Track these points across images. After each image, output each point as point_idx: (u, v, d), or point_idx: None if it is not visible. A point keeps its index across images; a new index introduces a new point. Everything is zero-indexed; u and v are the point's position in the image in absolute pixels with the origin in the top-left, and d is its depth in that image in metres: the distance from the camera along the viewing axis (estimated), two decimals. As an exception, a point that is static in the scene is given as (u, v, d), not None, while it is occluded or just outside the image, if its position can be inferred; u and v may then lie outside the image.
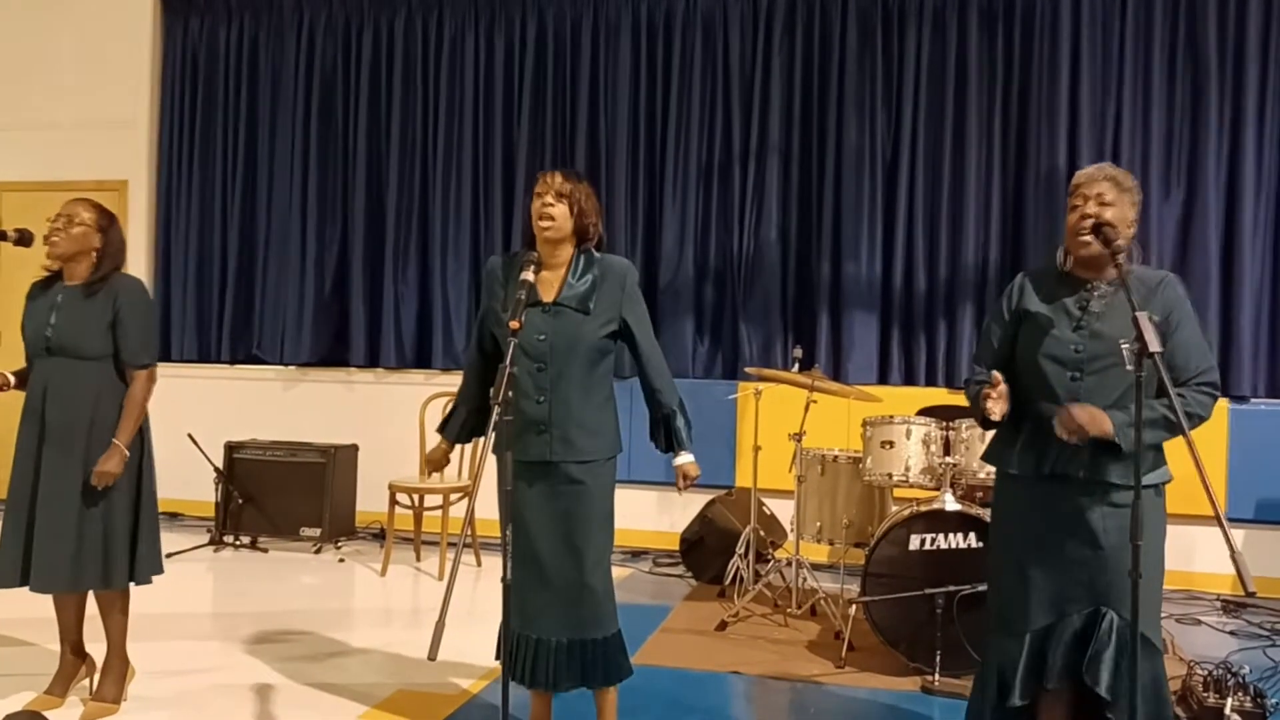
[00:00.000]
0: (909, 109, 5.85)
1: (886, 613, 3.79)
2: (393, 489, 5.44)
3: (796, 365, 4.67)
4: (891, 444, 4.07)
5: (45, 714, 3.10)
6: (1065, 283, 2.67)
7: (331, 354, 6.71)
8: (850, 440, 5.14)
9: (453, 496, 5.43)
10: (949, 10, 5.82)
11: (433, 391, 5.90)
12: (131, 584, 3.26)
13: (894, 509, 4.21)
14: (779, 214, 6.01)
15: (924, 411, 4.37)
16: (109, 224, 3.32)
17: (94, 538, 3.14)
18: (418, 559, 5.71)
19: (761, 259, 6.00)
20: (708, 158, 6.12)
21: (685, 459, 3.02)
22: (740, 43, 6.07)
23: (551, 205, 2.86)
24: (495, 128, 6.42)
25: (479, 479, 2.51)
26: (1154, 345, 2.21)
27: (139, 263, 6.83)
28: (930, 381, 5.80)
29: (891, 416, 4.16)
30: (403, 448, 5.96)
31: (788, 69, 6.01)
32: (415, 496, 5.56)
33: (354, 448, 6.21)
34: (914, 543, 3.78)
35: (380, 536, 6.15)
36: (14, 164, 7.08)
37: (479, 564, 5.62)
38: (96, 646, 3.40)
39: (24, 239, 3.17)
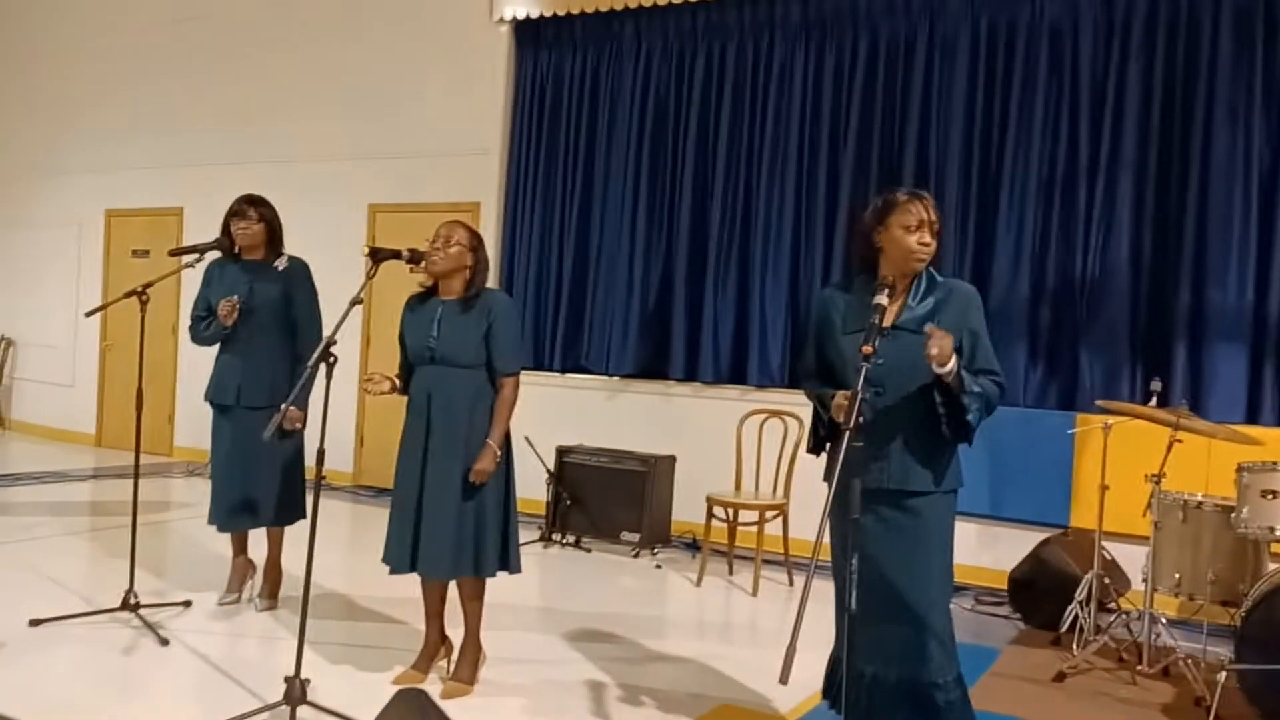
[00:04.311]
0: (1295, 115, 5.19)
1: (1265, 683, 3.35)
2: (710, 501, 5.54)
3: (1154, 399, 4.26)
4: (1275, 494, 3.60)
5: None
6: None
7: (652, 366, 6.96)
8: (1209, 485, 4.63)
9: (768, 514, 5.45)
10: (1349, 2, 5.11)
11: (750, 408, 5.96)
12: (504, 572, 3.54)
13: (1272, 567, 3.72)
14: (1131, 233, 5.53)
15: (1314, 459, 3.84)
16: (478, 244, 3.64)
17: (469, 529, 3.44)
18: (730, 572, 5.77)
19: (1108, 282, 5.54)
20: (1049, 172, 5.75)
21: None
22: (1091, 49, 5.65)
23: (929, 242, 2.77)
24: (820, 147, 6.40)
25: (829, 500, 2.47)
26: None
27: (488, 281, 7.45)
28: (1314, 425, 5.09)
29: (1275, 463, 3.68)
30: (718, 461, 6.04)
31: (1145, 75, 5.53)
32: (731, 511, 5.63)
33: (672, 458, 6.40)
34: (1302, 608, 3.31)
35: (692, 546, 6.30)
36: (385, 188, 7.98)
37: (791, 584, 5.59)
38: (451, 631, 3.72)
39: (415, 258, 3.53)
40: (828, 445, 3.02)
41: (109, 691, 3.47)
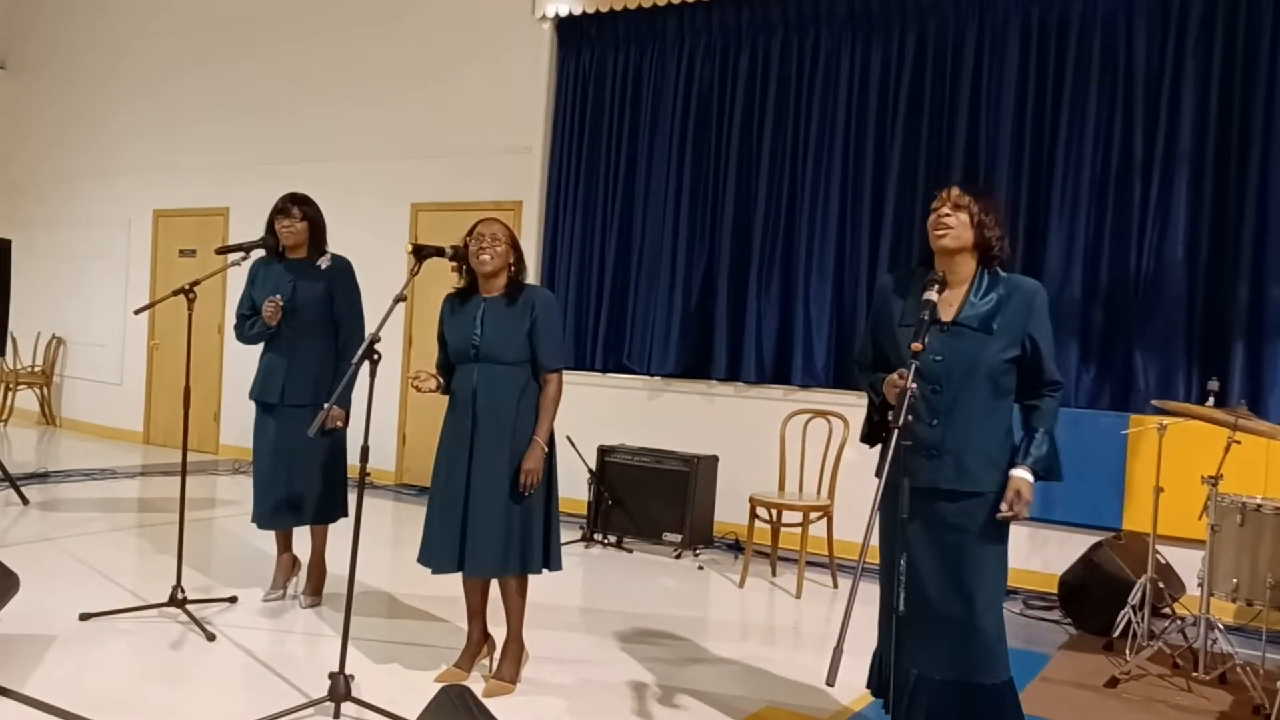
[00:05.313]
0: (1358, 108, 5.03)
1: (1330, 695, 3.24)
2: (753, 502, 5.49)
3: (1211, 399, 4.14)
4: (1340, 497, 3.49)
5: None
6: None
7: (694, 366, 6.91)
8: (1267, 487, 4.52)
9: (812, 515, 5.39)
10: None
11: (793, 408, 5.90)
12: (546, 570, 3.52)
13: (1337, 573, 3.60)
14: (1187, 230, 5.39)
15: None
16: (516, 240, 3.63)
17: (516, 526, 3.43)
18: (773, 574, 5.71)
19: (1163, 280, 5.41)
20: (1102, 169, 5.62)
21: (1022, 474, 2.71)
22: (1146, 43, 5.52)
23: (948, 215, 2.75)
24: (866, 144, 6.31)
25: (878, 497, 2.43)
26: None
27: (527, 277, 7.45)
28: (1377, 426, 4.92)
29: (1340, 465, 3.56)
30: (761, 462, 5.99)
31: (1203, 69, 5.38)
32: (774, 511, 5.58)
33: (714, 459, 6.35)
34: (1370, 616, 3.20)
35: (735, 547, 6.25)
36: (428, 186, 8.01)
37: (835, 586, 5.52)
38: (493, 629, 3.71)
39: (457, 255, 3.53)
40: (882, 437, 2.97)
41: (157, 685, 3.49)
